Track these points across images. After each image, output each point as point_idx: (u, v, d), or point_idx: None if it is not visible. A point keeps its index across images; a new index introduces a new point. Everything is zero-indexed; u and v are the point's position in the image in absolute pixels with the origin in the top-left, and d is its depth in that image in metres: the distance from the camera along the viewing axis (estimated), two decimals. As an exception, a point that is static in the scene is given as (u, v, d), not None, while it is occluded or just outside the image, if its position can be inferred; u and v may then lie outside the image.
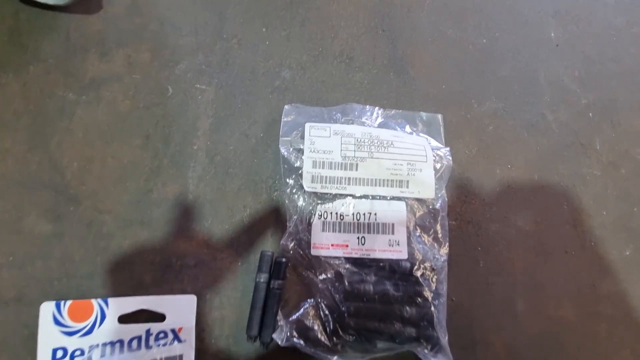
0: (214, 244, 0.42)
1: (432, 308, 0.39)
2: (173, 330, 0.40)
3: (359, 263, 0.41)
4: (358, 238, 0.41)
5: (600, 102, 0.48)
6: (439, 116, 0.46)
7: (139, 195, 0.42)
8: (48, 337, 0.38)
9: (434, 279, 0.41)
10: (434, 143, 0.44)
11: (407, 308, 0.38)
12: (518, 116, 0.47)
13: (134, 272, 0.41)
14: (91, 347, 0.39)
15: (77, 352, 0.38)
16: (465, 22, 0.51)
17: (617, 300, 0.43)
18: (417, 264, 0.40)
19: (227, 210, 0.42)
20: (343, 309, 0.39)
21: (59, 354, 0.39)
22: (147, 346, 0.37)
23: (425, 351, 0.38)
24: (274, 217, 0.43)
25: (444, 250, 0.41)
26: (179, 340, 0.40)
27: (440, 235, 0.42)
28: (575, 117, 0.48)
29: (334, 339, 0.39)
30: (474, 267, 0.43)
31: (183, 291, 0.40)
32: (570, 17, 0.51)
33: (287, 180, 0.42)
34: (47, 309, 0.38)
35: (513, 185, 0.45)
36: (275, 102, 0.45)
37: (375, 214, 0.41)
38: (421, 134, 0.45)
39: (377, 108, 0.45)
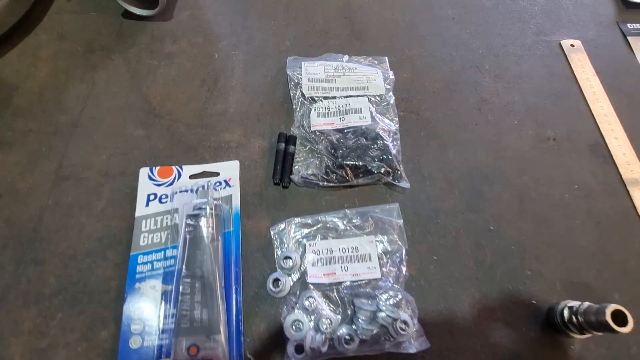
0: (248, 135, 0.50)
1: (392, 151, 0.49)
2: (225, 180, 0.47)
3: (342, 132, 0.49)
4: (340, 118, 0.50)
5: (484, 45, 0.59)
6: (385, 58, 0.59)
7: (199, 110, 0.52)
8: (145, 187, 0.45)
9: (389, 136, 0.50)
10: (383, 72, 0.55)
11: (375, 149, 0.46)
12: (434, 55, 0.58)
13: (198, 153, 0.49)
14: (173, 193, 0.48)
15: (164, 196, 0.46)
16: (395, 7, 0.63)
17: (514, 148, 0.50)
18: (379, 128, 0.48)
19: (255, 116, 0.52)
20: (335, 154, 0.48)
21: (152, 197, 0.47)
22: (211, 194, 0.44)
23: (390, 178, 0.46)
24: (285, 116, 0.52)
25: (395, 124, 0.50)
26: (229, 186, 0.47)
27: (392, 115, 0.51)
28: (471, 53, 0.59)
29: (330, 174, 0.46)
30: (418, 137, 0.50)
31: (230, 158, 0.48)
32: (460, 2, 0.65)
33: (292, 91, 0.52)
34: (144, 171, 0.46)
35: (436, 91, 0.55)
36: (281, 58, 0.56)
37: (349, 104, 0.50)
38: (373, 67, 0.56)
39: (345, 55, 0.56)
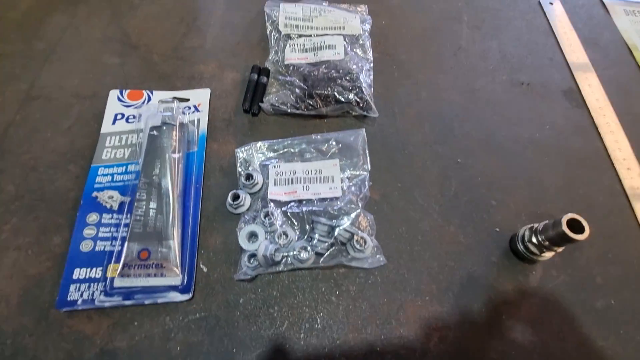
0: (222, 67, 0.49)
1: (362, 83, 0.48)
2: (194, 106, 0.46)
3: (314, 65, 0.48)
4: (314, 54, 0.49)
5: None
6: (365, 5, 0.58)
7: (176, 44, 0.51)
8: (113, 107, 0.45)
9: (362, 71, 0.50)
10: (361, 16, 0.54)
11: (346, 79, 0.45)
12: (413, 6, 0.58)
13: (170, 82, 0.49)
14: (140, 115, 0.47)
15: (131, 116, 0.45)
16: None
17: (487, 91, 0.49)
18: (352, 62, 0.47)
19: (231, 51, 0.51)
20: (305, 85, 0.47)
21: (119, 116, 0.46)
22: (180, 113, 0.43)
23: (359, 109, 0.45)
24: (261, 53, 0.51)
25: (369, 63, 0.49)
26: (197, 111, 0.45)
27: (366, 55, 0.50)
28: (450, 5, 0.58)
29: (300, 103, 0.45)
30: (391, 76, 0.50)
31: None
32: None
33: (269, 28, 0.52)
34: (113, 93, 0.45)
35: (414, 38, 0.54)
36: (262, 2, 0.55)
37: (324, 41, 0.49)
38: (351, 12, 0.55)
39: (325, 1, 0.56)
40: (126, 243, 0.35)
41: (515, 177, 0.43)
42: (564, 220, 0.31)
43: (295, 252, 0.36)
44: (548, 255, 0.35)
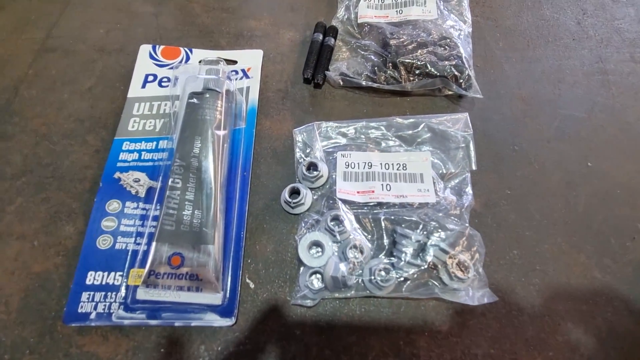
0: (278, 24, 0.40)
1: (462, 52, 0.35)
2: (243, 70, 0.36)
3: (398, 25, 0.37)
4: (397, 11, 0.38)
5: None
6: None
7: None
8: (143, 66, 0.35)
9: (459, 36, 0.37)
10: None
11: (440, 45, 0.34)
12: None
13: (213, 38, 0.39)
14: (176, 77, 0.38)
15: (165, 79, 0.35)
16: None
17: (625, 74, 0.37)
18: (446, 26, 0.36)
19: (290, 4, 0.41)
20: (386, 51, 0.35)
21: (150, 78, 0.36)
22: (227, 78, 0.34)
23: (456, 87, 0.33)
24: (327, 7, 0.41)
25: (468, 26, 0.38)
26: (247, 77, 0.36)
27: (464, 16, 0.38)
28: None
29: (378, 73, 0.34)
30: (495, 46, 0.38)
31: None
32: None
33: None
34: (145, 48, 0.36)
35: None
36: None
37: None
38: None
39: None
40: (154, 243, 0.27)
41: (669, 193, 0.32)
42: None
43: (374, 274, 0.27)
44: None
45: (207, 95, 0.31)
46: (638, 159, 0.33)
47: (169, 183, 0.29)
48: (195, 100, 0.31)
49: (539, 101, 0.36)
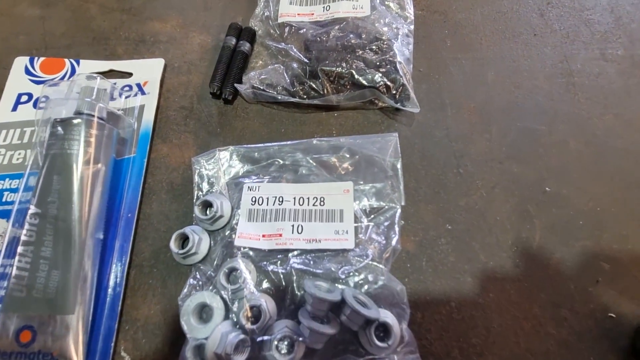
0: (187, 26, 0.34)
1: (397, 57, 0.31)
2: (138, 84, 0.30)
3: (324, 26, 0.30)
4: (324, 7, 0.31)
5: None
6: None
7: None
8: (16, 83, 0.29)
9: (396, 38, 0.31)
10: None
11: (371, 50, 0.28)
12: None
13: (109, 46, 0.32)
14: (46, 97, 0.32)
15: (43, 99, 0.29)
16: None
17: (592, 74, 0.31)
18: (382, 24, 0.30)
19: (202, 2, 0.35)
20: (308, 56, 0.29)
21: (23, 98, 0.29)
22: (111, 99, 0.29)
23: (390, 99, 0.27)
24: (245, 6, 0.35)
25: (409, 24, 0.32)
26: (143, 93, 0.30)
27: (404, 12, 0.33)
28: None
29: (297, 85, 0.28)
30: (442, 46, 0.32)
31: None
32: None
33: None
34: (20, 61, 0.30)
35: None
36: None
37: None
38: None
39: None
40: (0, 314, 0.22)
41: (640, 221, 0.27)
42: None
43: (272, 346, 0.21)
44: None
45: (76, 122, 0.25)
46: (606, 181, 0.27)
47: (22, 237, 0.23)
48: (59, 129, 0.25)
49: (491, 112, 0.30)
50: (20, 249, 0.23)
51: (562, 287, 0.24)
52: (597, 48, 0.33)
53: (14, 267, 0.22)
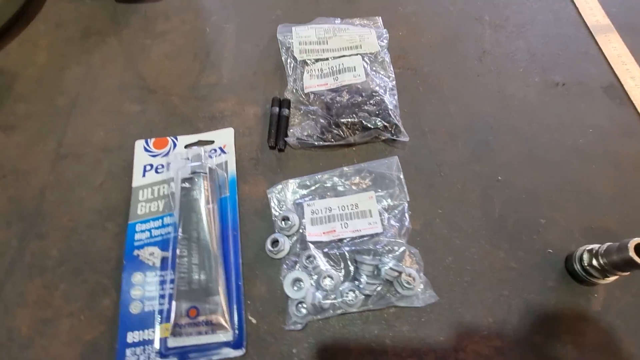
0: (242, 102, 0.48)
1: (389, 106, 0.46)
2: (220, 148, 0.45)
3: (336, 91, 0.46)
4: (334, 78, 0.47)
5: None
6: (378, 17, 0.55)
7: (193, 83, 0.50)
8: (141, 159, 0.44)
9: (386, 92, 0.46)
10: (376, 30, 0.52)
11: (370, 104, 0.43)
12: (430, 11, 0.55)
13: (192, 124, 0.48)
14: (168, 162, 0.46)
15: (160, 166, 0.45)
16: None
17: (520, 97, 0.46)
18: (374, 84, 0.46)
19: (248, 84, 0.50)
20: (330, 113, 0.45)
21: (148, 168, 0.45)
22: (206, 158, 0.42)
23: (388, 134, 0.43)
24: (279, 82, 0.49)
25: (392, 80, 0.47)
26: (224, 152, 0.45)
27: (388, 72, 0.48)
28: (469, 5, 0.55)
29: (326, 133, 0.43)
30: (416, 92, 0.47)
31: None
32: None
33: (284, 56, 0.50)
34: (139, 143, 0.45)
35: (434, 46, 0.51)
36: (273, 28, 0.53)
37: (342, 64, 0.47)
38: (366, 27, 0.52)
39: (337, 18, 0.53)
40: (174, 302, 0.35)
41: (562, 190, 0.41)
42: (631, 246, 0.29)
43: (343, 295, 0.35)
44: (611, 279, 0.33)
45: (195, 179, 0.39)
46: (537, 168, 0.42)
47: (177, 253, 0.37)
48: (186, 184, 0.39)
49: (456, 132, 0.45)
50: (178, 260, 0.36)
51: (517, 238, 0.38)
52: (521, 79, 0.48)
53: (177, 272, 0.36)
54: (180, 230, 0.38)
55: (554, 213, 0.39)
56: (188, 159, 0.42)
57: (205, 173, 0.40)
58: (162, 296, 0.37)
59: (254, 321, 0.36)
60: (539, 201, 0.40)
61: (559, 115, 0.45)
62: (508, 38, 0.51)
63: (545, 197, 0.40)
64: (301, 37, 0.50)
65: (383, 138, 0.44)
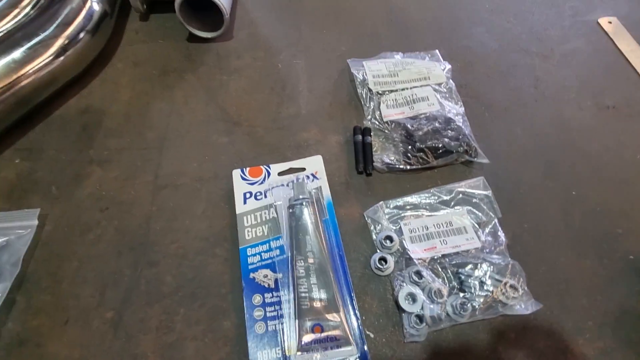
0: (323, 132, 0.53)
1: (465, 131, 0.50)
2: (312, 174, 0.49)
3: (414, 119, 0.51)
4: (409, 107, 0.52)
5: (526, 31, 0.62)
6: (436, 51, 0.61)
7: (274, 115, 0.54)
8: (240, 187, 0.47)
9: (459, 119, 0.52)
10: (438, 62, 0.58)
11: (449, 129, 0.48)
12: (480, 45, 0.61)
13: (280, 152, 0.52)
14: (267, 189, 0.49)
15: (258, 193, 0.49)
16: (434, 7, 0.67)
17: (577, 119, 0.52)
18: (448, 112, 0.51)
19: (326, 114, 0.54)
20: (412, 139, 0.49)
21: (247, 195, 0.49)
22: (303, 179, 0.46)
23: (468, 156, 0.47)
24: (354, 112, 0.54)
25: (461, 107, 0.52)
26: (316, 178, 0.49)
27: (456, 100, 0.53)
28: (515, 39, 0.61)
29: (411, 158, 0.48)
30: (483, 118, 0.52)
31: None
32: None
33: (359, 89, 0.55)
34: (236, 172, 0.48)
35: (490, 77, 0.57)
36: (340, 62, 0.59)
37: (415, 94, 0.52)
38: (427, 60, 0.59)
39: (399, 53, 0.59)
40: (298, 321, 0.38)
41: (631, 201, 0.45)
42: None
43: (456, 308, 0.38)
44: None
45: (302, 204, 0.43)
46: (604, 182, 0.46)
47: (296, 274, 0.40)
48: (295, 210, 0.42)
49: (525, 152, 0.49)
50: (297, 281, 0.39)
51: (599, 247, 0.42)
52: (575, 103, 0.53)
53: (297, 292, 0.38)
54: (295, 252, 0.41)
55: (628, 223, 0.43)
56: (286, 185, 0.46)
57: (310, 198, 0.44)
58: (281, 316, 0.39)
59: (372, 336, 0.38)
60: (612, 213, 0.44)
61: (615, 134, 0.50)
62: (556, 67, 0.57)
63: (617, 209, 0.44)
64: (374, 71, 0.55)
65: (462, 160, 0.48)
